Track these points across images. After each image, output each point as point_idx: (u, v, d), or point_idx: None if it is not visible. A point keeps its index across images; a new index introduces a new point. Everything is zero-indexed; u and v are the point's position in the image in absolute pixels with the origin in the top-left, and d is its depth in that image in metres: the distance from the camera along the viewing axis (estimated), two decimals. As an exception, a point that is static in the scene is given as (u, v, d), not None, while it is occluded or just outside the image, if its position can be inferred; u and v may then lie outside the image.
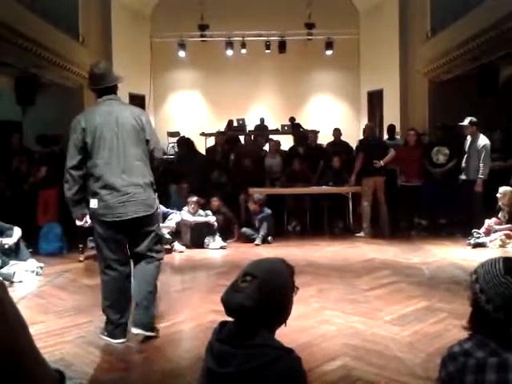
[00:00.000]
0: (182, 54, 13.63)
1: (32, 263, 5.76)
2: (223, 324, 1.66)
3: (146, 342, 3.54)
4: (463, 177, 7.61)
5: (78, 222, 3.64)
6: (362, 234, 8.11)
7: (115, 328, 3.53)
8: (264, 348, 1.54)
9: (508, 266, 1.54)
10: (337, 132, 10.11)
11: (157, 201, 3.73)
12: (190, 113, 14.25)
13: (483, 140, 7.45)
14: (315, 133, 10.62)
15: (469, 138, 7.62)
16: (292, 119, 12.66)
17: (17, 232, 5.89)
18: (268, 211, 7.74)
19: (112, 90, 3.61)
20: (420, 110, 11.22)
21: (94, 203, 3.44)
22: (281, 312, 1.64)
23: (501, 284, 1.51)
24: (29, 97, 9.14)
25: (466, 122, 7.52)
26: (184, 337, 3.84)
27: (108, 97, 3.58)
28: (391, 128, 9.92)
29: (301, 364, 1.56)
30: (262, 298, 1.55)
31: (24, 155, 8.17)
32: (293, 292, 1.68)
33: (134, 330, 3.52)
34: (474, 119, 7.50)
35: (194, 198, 7.48)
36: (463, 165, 7.63)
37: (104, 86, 3.56)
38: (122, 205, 3.41)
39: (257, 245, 7.45)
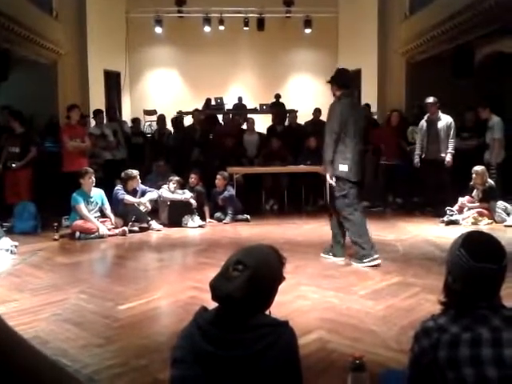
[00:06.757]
0: (158, 30, 13.37)
1: (6, 242, 5.67)
2: (205, 308, 1.66)
3: (125, 317, 3.56)
4: (417, 159, 7.58)
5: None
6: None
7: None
8: (264, 328, 1.57)
9: (465, 239, 1.62)
10: (316, 112, 10.12)
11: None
12: (166, 90, 14.05)
13: (448, 117, 7.47)
14: (295, 112, 10.60)
15: (426, 117, 7.56)
16: (277, 96, 12.56)
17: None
18: (231, 192, 7.73)
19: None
20: (397, 90, 11.27)
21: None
22: (266, 302, 1.67)
23: (456, 256, 1.60)
24: (1, 72, 8.89)
25: (431, 99, 7.45)
26: (161, 313, 3.85)
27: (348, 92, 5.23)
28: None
29: (295, 335, 1.63)
30: (250, 290, 1.56)
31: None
32: (280, 283, 1.70)
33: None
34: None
35: (177, 178, 7.46)
36: (426, 146, 7.54)
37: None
38: None
39: (225, 223, 7.51)
